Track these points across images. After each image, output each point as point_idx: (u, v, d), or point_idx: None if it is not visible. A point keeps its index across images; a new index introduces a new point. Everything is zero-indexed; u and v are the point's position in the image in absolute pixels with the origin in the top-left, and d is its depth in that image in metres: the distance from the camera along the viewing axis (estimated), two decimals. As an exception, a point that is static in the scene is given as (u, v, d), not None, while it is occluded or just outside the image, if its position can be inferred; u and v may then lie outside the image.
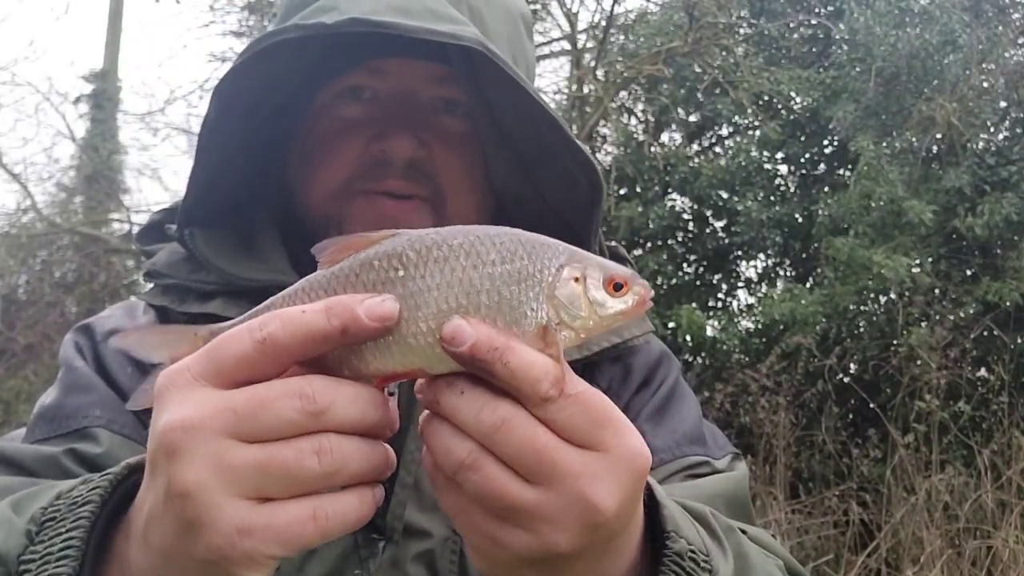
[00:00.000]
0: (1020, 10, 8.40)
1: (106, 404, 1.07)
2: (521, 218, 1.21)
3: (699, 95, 8.31)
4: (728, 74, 7.76)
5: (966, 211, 7.04)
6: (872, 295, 7.20)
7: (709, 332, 7.33)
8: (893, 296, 7.01)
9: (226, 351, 0.67)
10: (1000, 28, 7.89)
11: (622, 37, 8.94)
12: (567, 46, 9.36)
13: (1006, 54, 7.75)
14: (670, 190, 8.33)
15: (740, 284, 8.55)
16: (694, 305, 7.31)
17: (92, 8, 23.41)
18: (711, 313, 8.04)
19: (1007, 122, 7.99)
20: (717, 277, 8.54)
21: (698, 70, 8.11)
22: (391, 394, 0.73)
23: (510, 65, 1.03)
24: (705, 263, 8.50)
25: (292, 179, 1.22)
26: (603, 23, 8.33)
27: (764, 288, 8.34)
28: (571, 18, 8.80)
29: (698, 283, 8.49)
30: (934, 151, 7.56)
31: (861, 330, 7.31)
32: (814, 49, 8.78)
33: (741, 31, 8.69)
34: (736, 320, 7.75)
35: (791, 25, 8.66)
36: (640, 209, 7.80)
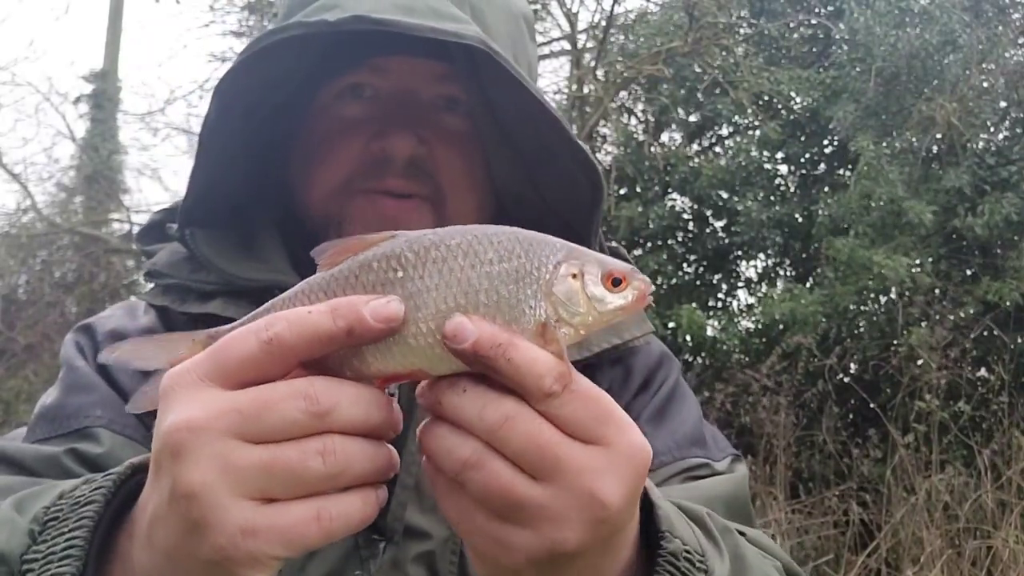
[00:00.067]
0: (1020, 10, 8.40)
1: (107, 404, 1.07)
2: (521, 218, 1.19)
3: (699, 95, 8.31)
4: (728, 74, 7.76)
5: (966, 211, 7.04)
6: (872, 295, 7.20)
7: (709, 332, 7.33)
8: (893, 296, 7.01)
9: (231, 352, 0.67)
10: (1000, 28, 7.89)
11: (622, 37, 8.93)
12: (567, 46, 9.35)
13: (1006, 54, 7.74)
14: (670, 190, 8.32)
15: (740, 284, 8.55)
16: (694, 305, 7.30)
17: (92, 8, 23.47)
18: (711, 313, 8.03)
19: (1007, 122, 7.98)
20: (717, 277, 8.54)
21: (698, 70, 8.10)
22: (391, 395, 0.72)
23: (512, 64, 1.03)
24: (705, 263, 8.49)
25: (292, 179, 1.22)
26: (603, 23, 8.33)
27: (764, 288, 8.33)
28: (571, 18, 8.80)
29: (698, 283, 8.49)
30: (934, 151, 7.56)
31: (861, 330, 7.30)
32: (814, 49, 8.77)
33: (741, 31, 8.68)
34: (736, 320, 7.75)
35: (791, 25, 8.65)
36: (640, 209, 7.79)
